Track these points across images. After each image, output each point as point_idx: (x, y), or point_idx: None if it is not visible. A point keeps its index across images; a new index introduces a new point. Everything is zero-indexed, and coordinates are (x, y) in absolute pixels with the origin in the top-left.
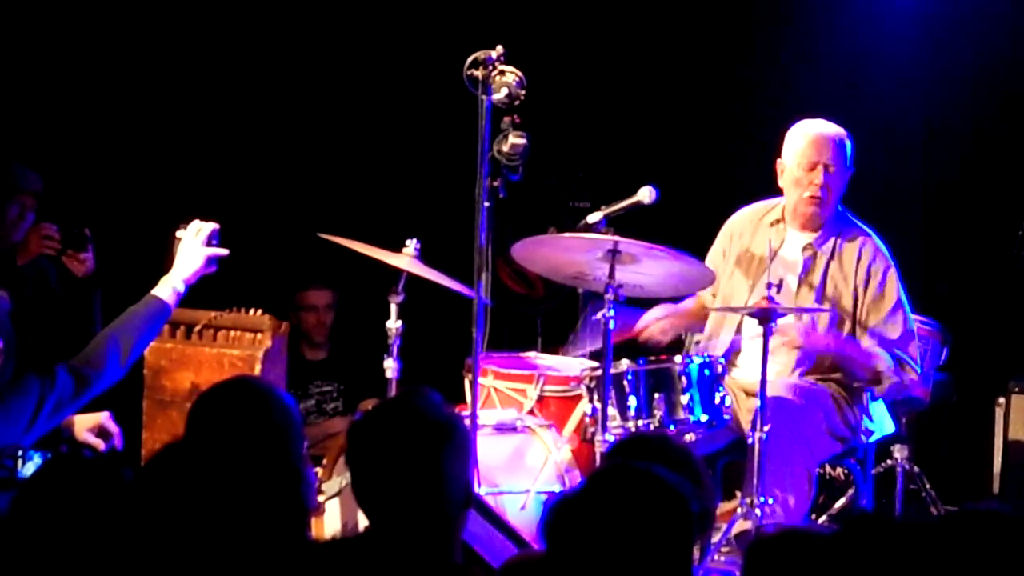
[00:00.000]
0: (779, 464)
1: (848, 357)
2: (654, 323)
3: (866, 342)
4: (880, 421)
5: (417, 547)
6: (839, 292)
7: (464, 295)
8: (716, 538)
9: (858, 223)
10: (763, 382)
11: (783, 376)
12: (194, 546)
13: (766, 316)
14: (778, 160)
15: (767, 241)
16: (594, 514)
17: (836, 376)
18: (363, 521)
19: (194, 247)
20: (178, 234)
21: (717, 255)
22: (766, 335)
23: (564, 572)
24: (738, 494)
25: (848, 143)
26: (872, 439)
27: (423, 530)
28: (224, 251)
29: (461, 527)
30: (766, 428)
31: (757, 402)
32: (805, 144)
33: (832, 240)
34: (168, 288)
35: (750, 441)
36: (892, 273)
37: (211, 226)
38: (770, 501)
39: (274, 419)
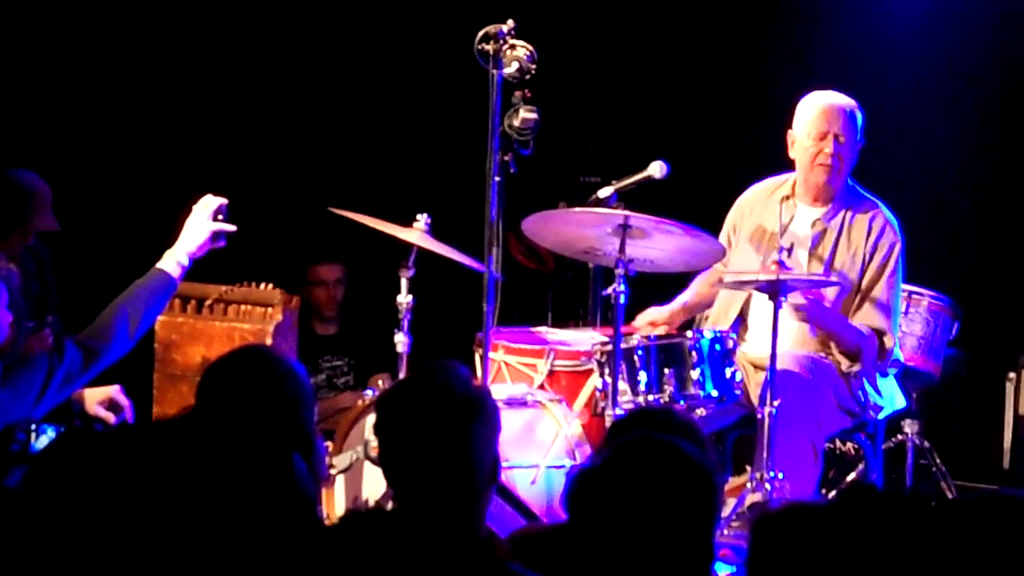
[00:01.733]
0: (788, 438)
1: (837, 333)
2: (646, 327)
3: (862, 314)
4: (891, 396)
5: (444, 520)
6: (847, 264)
7: (475, 270)
8: (726, 512)
9: (868, 196)
10: (773, 356)
11: (791, 349)
12: (206, 516)
13: (775, 289)
14: (789, 131)
15: (778, 216)
16: (618, 486)
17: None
18: (372, 496)
19: (200, 221)
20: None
21: (727, 233)
22: (776, 309)
23: (587, 543)
24: (748, 469)
25: (859, 114)
26: (882, 415)
27: (451, 504)
28: (231, 227)
29: (488, 501)
30: (776, 403)
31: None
32: (816, 114)
33: (842, 214)
34: (172, 262)
35: (759, 416)
36: (898, 248)
37: (219, 201)
38: (780, 476)
39: (286, 387)
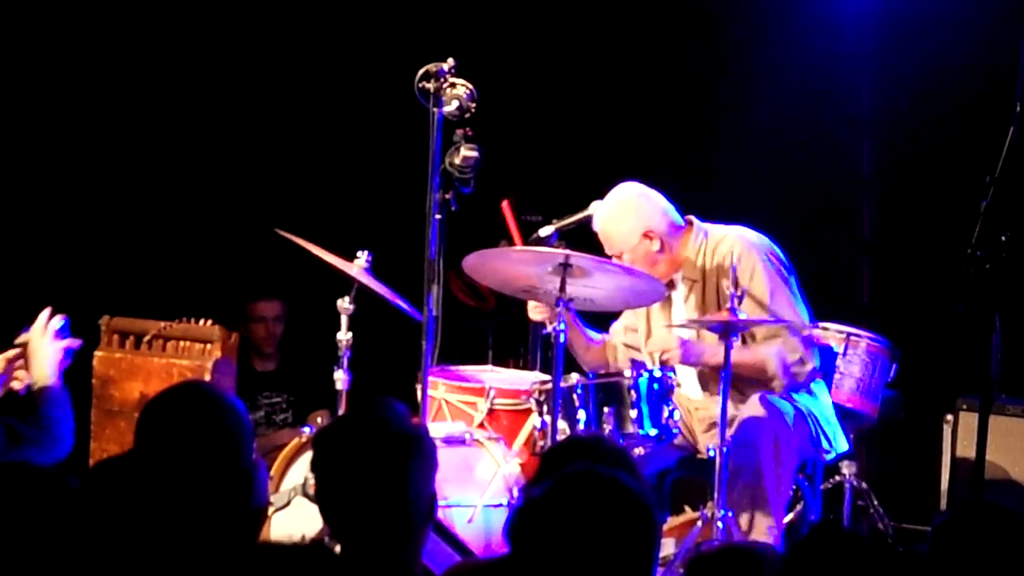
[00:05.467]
0: (741, 479)
1: (734, 362)
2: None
3: (756, 345)
4: (835, 439)
5: (380, 557)
6: (715, 303)
7: (409, 314)
8: (664, 552)
9: (722, 230)
10: (724, 399)
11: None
12: (145, 552)
13: (728, 329)
14: None
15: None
16: (560, 519)
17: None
18: (308, 534)
19: (45, 346)
20: (18, 340)
21: None
22: (727, 349)
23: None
24: (687, 508)
25: (631, 207)
26: (830, 457)
27: (386, 541)
28: (78, 342)
29: (424, 538)
30: (725, 441)
31: (708, 412)
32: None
33: (700, 265)
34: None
35: (711, 455)
36: (760, 266)
37: (58, 320)
38: (724, 515)
39: (224, 423)
